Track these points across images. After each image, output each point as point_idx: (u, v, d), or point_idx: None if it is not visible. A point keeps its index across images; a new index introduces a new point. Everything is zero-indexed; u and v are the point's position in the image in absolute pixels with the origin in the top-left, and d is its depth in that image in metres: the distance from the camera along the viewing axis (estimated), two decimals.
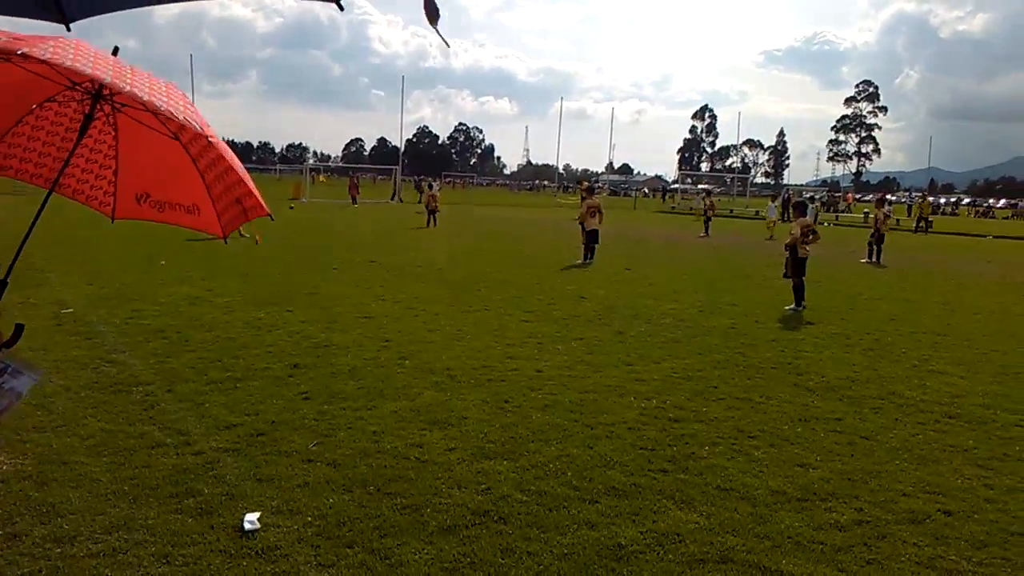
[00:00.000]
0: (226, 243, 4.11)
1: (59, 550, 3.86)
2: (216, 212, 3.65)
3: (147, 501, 4.44)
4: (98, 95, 3.33)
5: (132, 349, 7.88)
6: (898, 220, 39.98)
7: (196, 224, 3.77)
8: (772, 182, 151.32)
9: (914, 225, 39.21)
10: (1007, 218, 66.11)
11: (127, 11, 3.54)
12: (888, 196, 32.29)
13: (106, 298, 10.63)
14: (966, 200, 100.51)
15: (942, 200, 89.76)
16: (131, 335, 8.50)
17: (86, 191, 3.83)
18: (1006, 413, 6.92)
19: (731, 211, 49.82)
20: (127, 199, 3.82)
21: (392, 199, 49.95)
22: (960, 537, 4.42)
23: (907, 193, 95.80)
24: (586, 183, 45.81)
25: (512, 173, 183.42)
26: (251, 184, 3.57)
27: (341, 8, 2.99)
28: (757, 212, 44.54)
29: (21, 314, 6.53)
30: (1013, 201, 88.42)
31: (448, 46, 2.59)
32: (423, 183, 35.53)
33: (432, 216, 28.14)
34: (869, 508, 4.76)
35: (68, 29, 3.35)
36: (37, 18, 3.34)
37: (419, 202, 29.04)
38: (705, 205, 31.67)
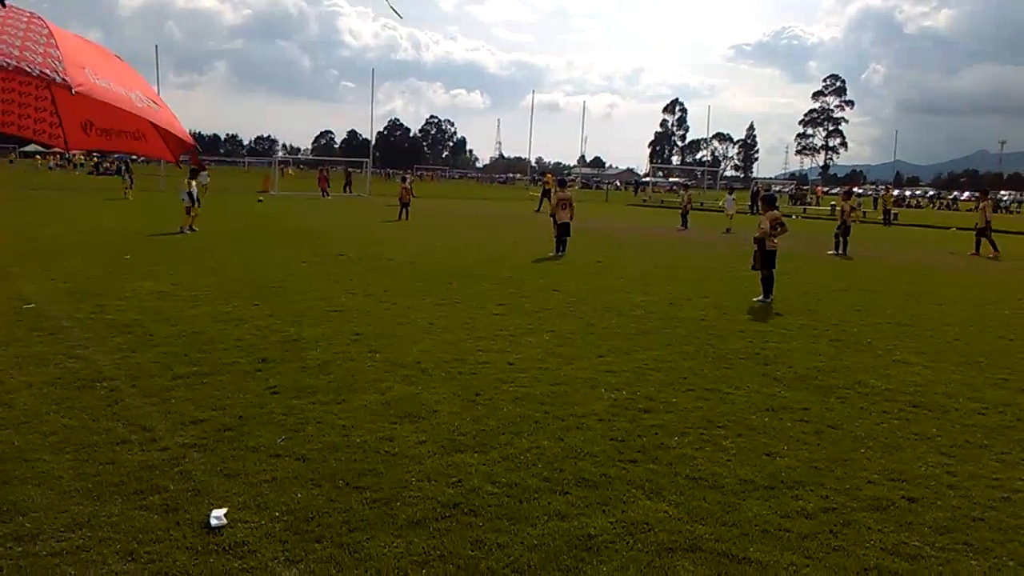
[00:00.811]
0: (179, 167, 4.03)
1: (20, 549, 3.79)
2: (161, 136, 3.49)
3: (111, 498, 4.37)
4: None
5: (96, 344, 7.74)
6: (865, 212, 40.52)
7: (147, 150, 3.62)
8: (741, 175, 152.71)
9: (882, 217, 39.59)
10: (971, 210, 67.25)
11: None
12: (855, 189, 32.53)
13: (69, 293, 10.43)
14: (931, 193, 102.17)
15: (908, 193, 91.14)
16: (95, 330, 8.36)
17: (31, 125, 3.66)
18: (968, 401, 7.05)
19: (701, 204, 50.15)
20: (74, 129, 3.65)
21: (344, 191, 48.89)
22: (923, 523, 4.49)
23: (873, 186, 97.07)
24: (550, 175, 45.72)
25: (484, 166, 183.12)
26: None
27: None
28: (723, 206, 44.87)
29: None
30: (977, 194, 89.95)
31: (400, 17, 2.59)
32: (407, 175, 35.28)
33: (404, 209, 28.02)
34: (835, 496, 4.82)
35: (3, 5, 3.24)
36: None
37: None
38: (683, 199, 31.73)
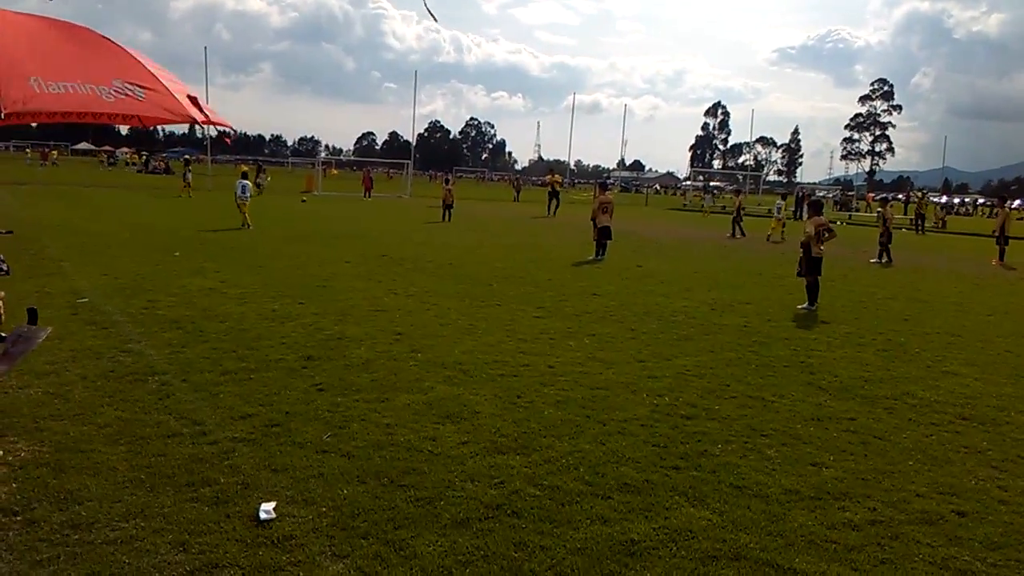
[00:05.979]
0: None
1: (77, 536, 3.91)
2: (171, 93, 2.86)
3: (163, 489, 4.48)
4: None
5: (147, 339, 7.93)
6: (911, 221, 39.47)
7: (163, 111, 2.99)
8: (785, 180, 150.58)
9: (915, 223, 37.38)
10: (1021, 219, 65.45)
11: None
12: (886, 196, 31.65)
13: (121, 288, 10.70)
14: (980, 200, 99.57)
15: (956, 200, 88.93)
16: (146, 325, 8.56)
17: None
18: (1020, 415, 6.89)
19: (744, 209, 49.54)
20: (19, 85, 2.79)
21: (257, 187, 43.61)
22: (974, 538, 4.41)
23: (920, 193, 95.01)
24: (557, 176, 43.50)
25: (523, 168, 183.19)
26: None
27: None
28: (769, 211, 44.17)
29: (37, 303, 6.58)
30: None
31: (435, 20, 2.55)
32: (450, 177, 34.54)
33: (448, 211, 28.17)
34: (883, 508, 4.75)
35: None
36: None
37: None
38: (736, 204, 30.75)
